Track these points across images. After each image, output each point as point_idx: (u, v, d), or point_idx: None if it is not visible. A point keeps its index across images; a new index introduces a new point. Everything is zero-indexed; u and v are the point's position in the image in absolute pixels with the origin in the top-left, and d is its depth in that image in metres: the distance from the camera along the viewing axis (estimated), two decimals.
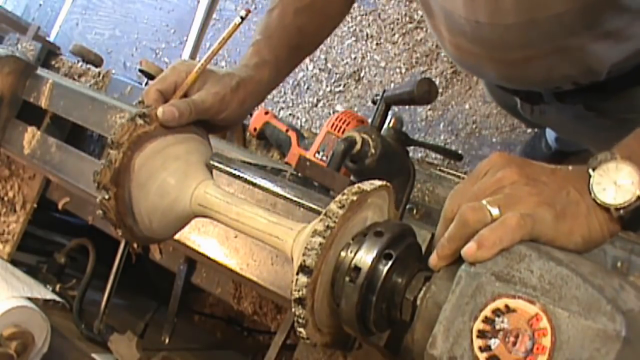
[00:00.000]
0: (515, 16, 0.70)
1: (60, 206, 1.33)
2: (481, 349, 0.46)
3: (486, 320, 0.46)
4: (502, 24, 0.72)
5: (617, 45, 0.74)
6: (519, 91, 0.99)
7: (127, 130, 0.63)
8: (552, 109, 0.99)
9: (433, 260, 0.54)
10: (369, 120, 0.89)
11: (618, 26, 0.71)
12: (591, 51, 0.74)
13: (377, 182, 0.59)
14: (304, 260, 0.52)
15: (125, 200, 0.64)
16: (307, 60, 2.34)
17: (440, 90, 2.11)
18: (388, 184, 0.60)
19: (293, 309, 0.53)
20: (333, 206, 0.53)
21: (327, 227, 0.52)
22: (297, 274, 0.52)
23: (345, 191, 0.55)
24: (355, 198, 0.54)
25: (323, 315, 0.57)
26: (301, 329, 0.53)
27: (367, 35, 2.36)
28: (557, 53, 0.75)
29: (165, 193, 0.65)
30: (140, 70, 1.42)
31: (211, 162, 0.68)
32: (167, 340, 1.14)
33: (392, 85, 2.25)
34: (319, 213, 0.58)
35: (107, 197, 0.63)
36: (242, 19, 0.68)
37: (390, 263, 0.54)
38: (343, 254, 0.55)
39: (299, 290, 0.52)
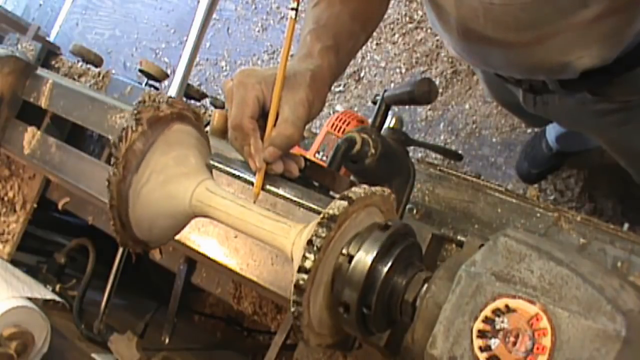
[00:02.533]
0: None
1: (60, 206, 1.33)
2: (481, 349, 0.46)
3: (486, 320, 0.46)
4: (516, 3, 0.72)
5: (626, 21, 0.75)
6: (522, 82, 0.99)
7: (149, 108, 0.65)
8: (556, 98, 0.99)
9: None
10: (369, 120, 0.89)
11: (627, 2, 0.72)
12: (602, 26, 0.74)
13: (386, 190, 0.60)
14: (328, 212, 0.53)
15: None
16: None
17: (440, 90, 2.11)
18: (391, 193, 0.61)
19: (296, 270, 0.52)
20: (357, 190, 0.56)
21: (347, 197, 0.55)
22: (320, 224, 0.53)
23: (356, 188, 0.57)
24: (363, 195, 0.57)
25: (323, 315, 0.57)
26: (297, 298, 0.53)
27: None
28: (569, 31, 0.75)
29: (169, 179, 0.66)
30: (140, 70, 1.43)
31: (211, 162, 0.68)
32: (167, 340, 1.14)
33: (392, 85, 2.25)
34: (319, 213, 0.58)
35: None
36: (295, 10, 0.65)
37: (390, 263, 0.54)
38: (344, 252, 0.55)
39: (316, 237, 0.53)
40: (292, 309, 0.53)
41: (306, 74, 0.66)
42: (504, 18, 0.75)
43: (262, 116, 0.65)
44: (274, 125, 0.64)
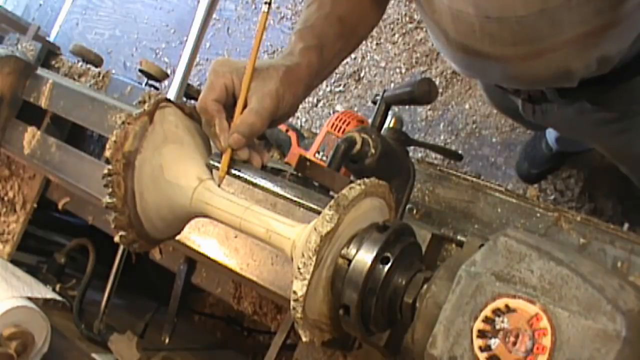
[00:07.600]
0: (525, 8, 0.70)
1: (60, 206, 1.33)
2: (481, 349, 0.46)
3: (486, 320, 0.46)
4: (512, 17, 0.72)
5: (623, 32, 0.75)
6: (521, 92, 0.99)
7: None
8: (555, 107, 0.99)
9: None
10: (369, 120, 0.89)
11: (624, 14, 0.72)
12: (600, 39, 0.75)
13: (381, 182, 0.59)
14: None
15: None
16: None
17: (440, 90, 2.11)
18: (387, 184, 0.61)
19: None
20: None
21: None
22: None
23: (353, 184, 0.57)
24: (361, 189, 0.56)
25: (323, 315, 0.57)
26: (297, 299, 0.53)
27: None
28: (566, 45, 0.75)
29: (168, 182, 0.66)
30: (140, 70, 1.42)
31: (211, 162, 0.68)
32: (167, 340, 1.14)
33: (392, 85, 2.25)
34: (319, 213, 0.58)
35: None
36: (268, 4, 0.67)
37: (390, 263, 0.54)
38: (344, 252, 0.55)
39: (316, 237, 0.53)
40: (292, 310, 0.53)
41: (280, 68, 0.68)
42: (501, 32, 0.75)
43: (232, 106, 0.67)
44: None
